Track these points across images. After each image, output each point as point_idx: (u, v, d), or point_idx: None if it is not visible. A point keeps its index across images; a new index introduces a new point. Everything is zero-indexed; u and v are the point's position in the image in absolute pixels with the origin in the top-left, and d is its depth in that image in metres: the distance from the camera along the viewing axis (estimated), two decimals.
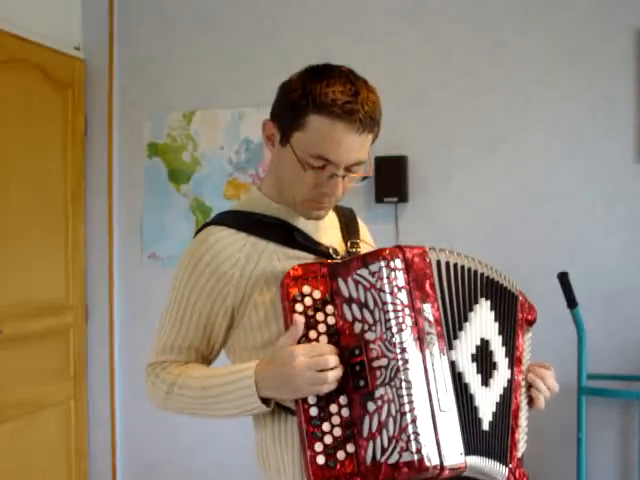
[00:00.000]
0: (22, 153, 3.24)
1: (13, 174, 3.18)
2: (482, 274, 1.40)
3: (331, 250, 1.42)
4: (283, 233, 1.40)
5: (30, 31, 3.25)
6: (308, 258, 1.39)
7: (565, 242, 3.04)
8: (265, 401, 1.31)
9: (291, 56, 3.31)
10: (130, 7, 3.63)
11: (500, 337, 1.41)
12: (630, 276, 2.98)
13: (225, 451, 3.45)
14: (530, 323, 1.51)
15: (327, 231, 1.47)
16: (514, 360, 1.43)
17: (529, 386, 1.46)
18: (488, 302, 1.40)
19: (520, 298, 1.48)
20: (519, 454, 1.41)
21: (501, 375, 1.39)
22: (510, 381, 1.40)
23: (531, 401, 1.47)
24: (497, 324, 1.40)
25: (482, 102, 3.15)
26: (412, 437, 1.21)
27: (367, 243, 1.58)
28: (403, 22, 3.24)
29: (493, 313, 1.40)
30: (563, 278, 2.74)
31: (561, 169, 3.06)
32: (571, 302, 2.73)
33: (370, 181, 3.04)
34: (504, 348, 1.41)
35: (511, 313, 1.45)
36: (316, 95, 1.29)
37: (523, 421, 1.43)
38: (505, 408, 1.38)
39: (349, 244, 1.48)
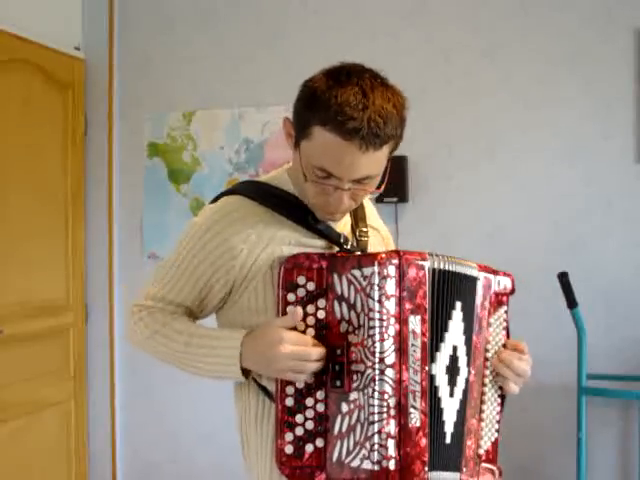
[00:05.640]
0: (22, 153, 3.23)
1: (13, 174, 3.18)
2: (462, 275, 1.35)
3: (342, 237, 1.39)
4: (299, 212, 1.38)
5: (30, 31, 3.24)
6: (319, 247, 1.37)
7: (565, 242, 3.04)
8: (244, 372, 1.32)
9: (291, 56, 3.32)
10: (130, 7, 3.64)
11: (464, 337, 1.35)
12: (630, 276, 2.98)
13: (225, 451, 3.44)
14: (505, 295, 1.42)
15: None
16: (471, 356, 1.36)
17: (497, 373, 1.40)
18: (460, 303, 1.34)
19: (480, 279, 1.38)
20: (481, 450, 1.39)
21: (461, 378, 1.35)
22: (467, 380, 1.36)
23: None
24: (463, 324, 1.35)
25: (482, 102, 3.15)
26: (375, 447, 1.23)
27: (375, 228, 1.56)
28: (403, 22, 3.24)
29: (462, 314, 1.35)
30: (563, 278, 2.74)
31: (561, 169, 3.06)
32: (571, 302, 2.73)
33: None
34: (465, 347, 1.35)
35: (470, 303, 1.37)
36: (321, 107, 1.24)
37: (489, 414, 1.40)
38: (462, 412, 1.35)
39: (357, 233, 1.46)
